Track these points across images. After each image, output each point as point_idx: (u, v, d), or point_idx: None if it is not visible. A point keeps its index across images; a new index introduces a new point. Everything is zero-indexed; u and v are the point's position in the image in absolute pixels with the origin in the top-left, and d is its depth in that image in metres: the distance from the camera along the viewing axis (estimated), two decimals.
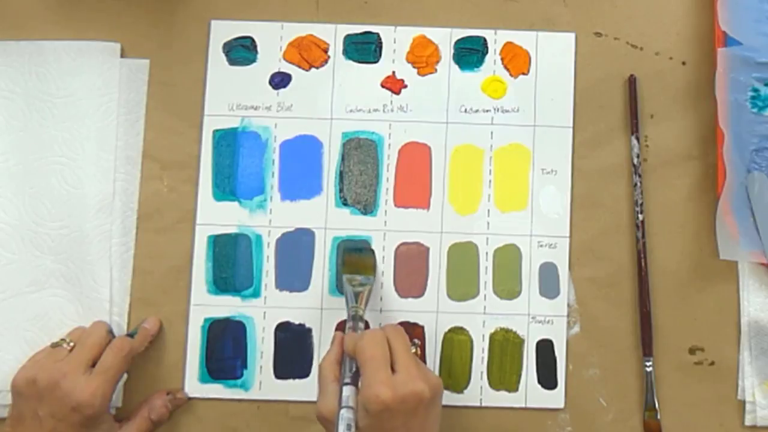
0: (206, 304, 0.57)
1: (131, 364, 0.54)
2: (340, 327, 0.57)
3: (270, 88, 0.59)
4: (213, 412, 0.57)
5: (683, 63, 0.60)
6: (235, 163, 0.59)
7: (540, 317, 0.57)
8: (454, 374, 0.57)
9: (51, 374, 0.51)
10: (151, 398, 0.55)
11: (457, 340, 0.57)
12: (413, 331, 0.57)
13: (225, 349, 0.57)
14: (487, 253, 0.58)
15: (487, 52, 0.60)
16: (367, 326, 0.55)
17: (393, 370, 0.48)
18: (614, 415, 0.57)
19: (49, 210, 0.57)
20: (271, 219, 0.58)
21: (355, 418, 0.46)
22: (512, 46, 0.60)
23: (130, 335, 0.55)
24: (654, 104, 0.59)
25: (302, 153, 0.59)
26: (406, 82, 0.59)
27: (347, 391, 0.47)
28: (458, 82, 0.59)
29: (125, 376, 0.55)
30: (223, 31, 0.59)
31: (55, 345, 0.54)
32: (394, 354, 0.49)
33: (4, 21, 0.59)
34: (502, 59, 0.60)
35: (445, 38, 0.60)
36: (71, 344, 0.53)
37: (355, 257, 0.56)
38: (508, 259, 0.58)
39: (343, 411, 0.46)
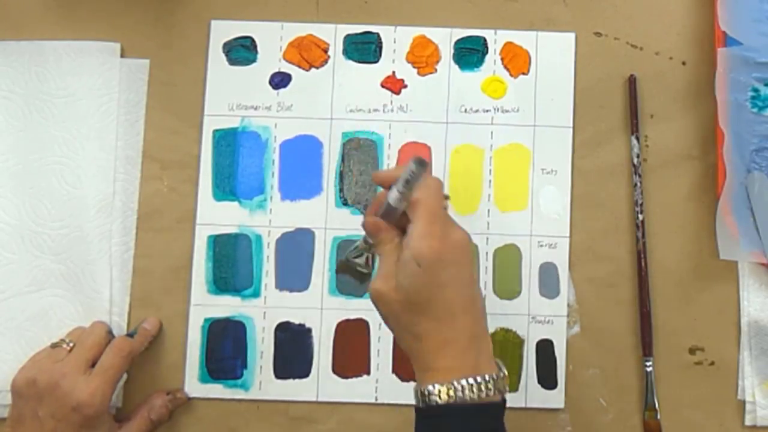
0: (206, 304, 0.57)
1: (131, 364, 0.54)
2: (340, 327, 0.57)
3: (270, 88, 0.59)
4: (213, 412, 0.57)
5: (683, 63, 0.60)
6: (235, 163, 0.59)
7: (540, 317, 0.57)
8: None
9: (51, 374, 0.51)
10: (151, 398, 0.55)
11: None
12: None
13: (225, 349, 0.57)
14: (487, 253, 0.58)
15: (487, 52, 0.60)
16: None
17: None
18: (614, 415, 0.57)
19: (49, 210, 0.57)
20: (271, 219, 0.58)
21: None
22: (512, 46, 0.60)
23: (130, 335, 0.55)
24: (654, 104, 0.59)
25: (302, 153, 0.59)
26: (406, 82, 0.59)
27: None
28: (458, 82, 0.59)
29: (125, 376, 0.55)
30: (223, 31, 0.59)
31: (54, 345, 0.54)
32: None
33: (4, 21, 0.59)
34: (502, 59, 0.60)
35: (445, 38, 0.60)
36: (71, 344, 0.53)
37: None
38: (508, 259, 0.58)
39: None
